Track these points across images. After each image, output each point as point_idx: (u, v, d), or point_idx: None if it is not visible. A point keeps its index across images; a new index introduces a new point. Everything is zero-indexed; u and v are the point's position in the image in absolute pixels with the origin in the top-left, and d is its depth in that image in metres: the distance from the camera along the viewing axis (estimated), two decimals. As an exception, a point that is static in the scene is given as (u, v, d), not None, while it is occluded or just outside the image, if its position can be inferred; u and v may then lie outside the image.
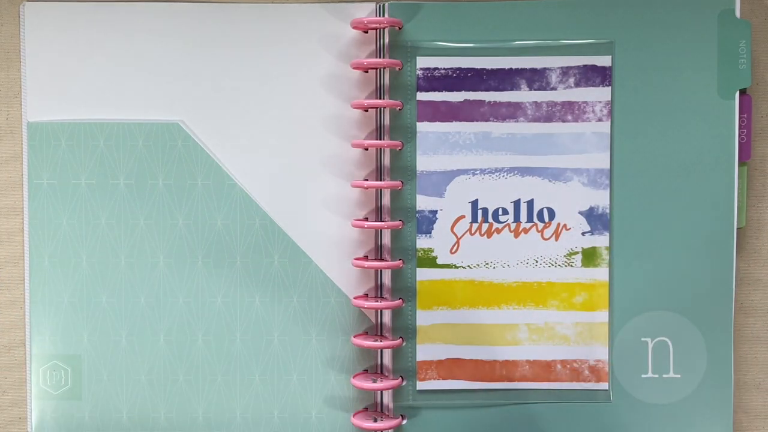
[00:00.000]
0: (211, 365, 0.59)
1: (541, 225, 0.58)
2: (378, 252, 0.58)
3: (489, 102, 0.57)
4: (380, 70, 0.57)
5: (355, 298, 0.58)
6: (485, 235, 0.58)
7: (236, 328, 0.59)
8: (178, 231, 0.58)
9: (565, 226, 0.57)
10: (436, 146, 0.57)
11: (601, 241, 0.57)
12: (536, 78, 0.57)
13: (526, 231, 0.58)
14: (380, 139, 0.58)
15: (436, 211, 0.58)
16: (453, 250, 0.58)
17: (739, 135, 0.57)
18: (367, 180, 0.58)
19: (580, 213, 0.57)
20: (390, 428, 0.57)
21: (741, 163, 0.57)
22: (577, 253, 0.58)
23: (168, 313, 0.59)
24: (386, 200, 0.58)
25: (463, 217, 0.58)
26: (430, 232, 0.58)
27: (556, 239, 0.58)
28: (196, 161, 0.58)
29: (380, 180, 0.58)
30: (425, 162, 0.57)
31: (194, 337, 0.59)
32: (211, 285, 0.59)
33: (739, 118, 0.57)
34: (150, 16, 0.58)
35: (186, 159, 0.58)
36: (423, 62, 0.57)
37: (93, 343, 0.59)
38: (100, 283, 0.59)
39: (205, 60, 0.58)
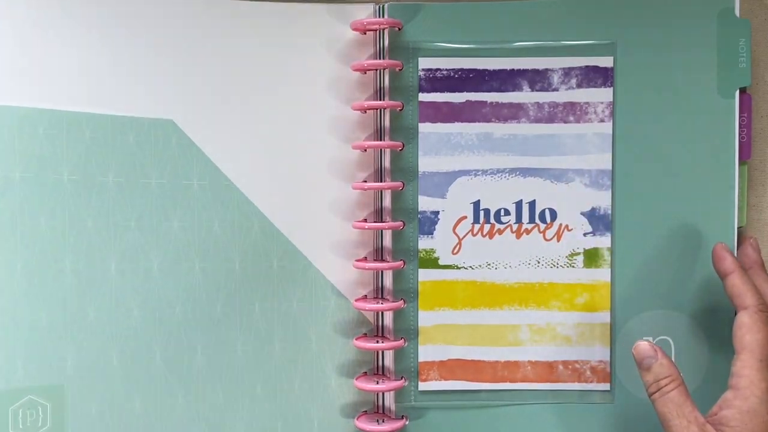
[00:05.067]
0: (212, 381, 0.56)
1: (542, 226, 0.57)
2: (379, 253, 0.58)
3: (491, 103, 0.57)
4: (380, 71, 0.57)
5: (356, 300, 0.58)
6: (487, 236, 0.58)
7: (236, 338, 0.56)
8: (174, 234, 0.55)
9: (566, 227, 0.57)
10: (438, 147, 0.57)
11: (603, 242, 0.57)
12: (538, 79, 0.57)
13: (527, 232, 0.58)
14: (380, 141, 0.57)
15: (438, 211, 0.57)
16: (455, 251, 0.58)
17: (739, 134, 0.57)
18: (366, 181, 0.57)
19: (582, 214, 0.57)
20: (394, 430, 0.57)
21: (741, 162, 0.57)
22: (578, 254, 0.58)
23: (164, 325, 0.54)
24: (387, 201, 0.57)
25: (465, 217, 0.57)
26: (432, 233, 0.57)
27: (558, 240, 0.58)
28: (191, 161, 0.55)
29: (381, 181, 0.57)
30: (427, 163, 0.57)
31: (193, 350, 0.55)
32: (209, 292, 0.55)
33: (739, 117, 0.57)
34: (146, 5, 0.55)
35: (180, 158, 0.55)
36: (425, 63, 0.57)
37: (78, 368, 0.51)
38: (86, 294, 0.52)
39: (202, 55, 0.56)
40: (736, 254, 0.57)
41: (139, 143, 0.54)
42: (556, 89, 0.57)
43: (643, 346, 0.52)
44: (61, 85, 0.52)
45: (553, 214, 0.57)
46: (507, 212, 0.57)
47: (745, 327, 0.50)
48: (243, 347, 0.56)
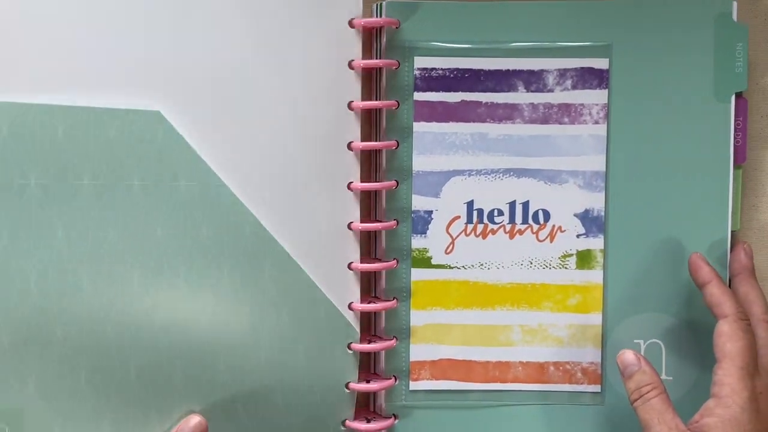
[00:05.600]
0: (191, 401, 0.51)
1: (536, 227, 0.57)
2: (372, 253, 0.58)
3: (486, 103, 0.57)
4: (376, 70, 0.57)
5: (349, 300, 0.57)
6: (480, 236, 0.58)
7: (220, 350, 0.52)
8: (156, 241, 0.50)
9: (560, 228, 0.57)
10: (433, 146, 0.57)
11: (596, 243, 0.57)
12: (533, 80, 0.57)
13: (521, 232, 0.58)
14: (375, 140, 0.57)
15: (432, 211, 0.57)
16: (448, 251, 0.58)
17: (735, 138, 0.57)
18: (360, 181, 0.57)
19: (575, 215, 0.57)
20: (383, 428, 0.57)
21: (736, 166, 0.57)
22: (571, 255, 0.58)
23: (142, 340, 0.49)
24: (381, 200, 0.57)
25: (458, 217, 0.57)
26: (425, 233, 0.57)
27: (551, 241, 0.58)
28: (180, 158, 0.50)
29: (375, 180, 0.57)
30: (421, 162, 0.57)
31: (173, 368, 0.50)
32: (194, 303, 0.51)
33: (735, 121, 0.57)
34: None
35: (167, 155, 0.50)
36: (421, 62, 0.57)
37: (41, 390, 0.47)
38: (54, 311, 0.47)
39: (193, 42, 0.50)
40: (729, 259, 0.57)
41: (121, 139, 0.48)
42: (551, 90, 0.57)
43: (628, 354, 0.52)
44: (28, 73, 0.46)
45: (547, 215, 0.57)
46: (500, 212, 0.57)
47: (725, 335, 0.51)
48: (226, 362, 0.52)
